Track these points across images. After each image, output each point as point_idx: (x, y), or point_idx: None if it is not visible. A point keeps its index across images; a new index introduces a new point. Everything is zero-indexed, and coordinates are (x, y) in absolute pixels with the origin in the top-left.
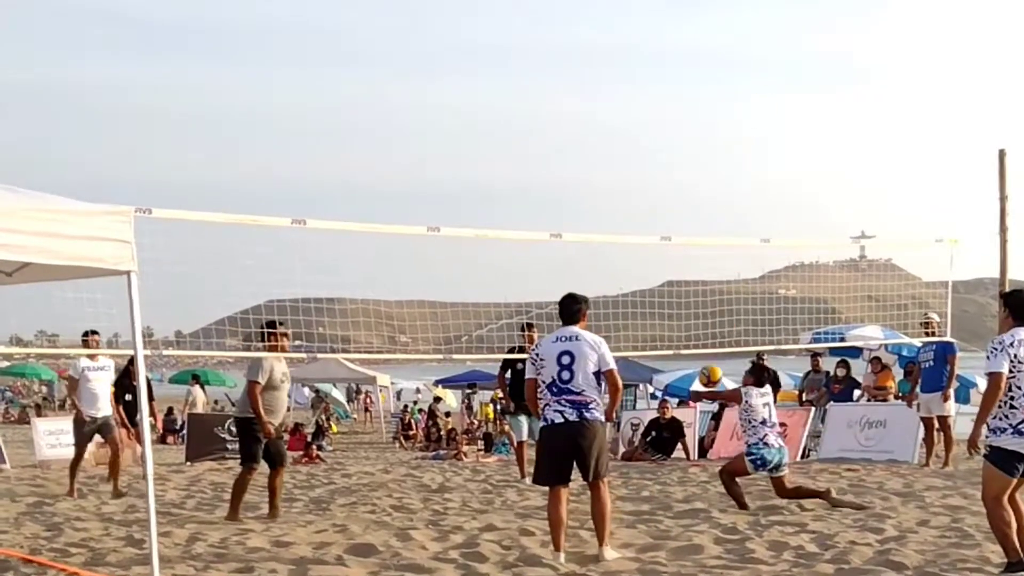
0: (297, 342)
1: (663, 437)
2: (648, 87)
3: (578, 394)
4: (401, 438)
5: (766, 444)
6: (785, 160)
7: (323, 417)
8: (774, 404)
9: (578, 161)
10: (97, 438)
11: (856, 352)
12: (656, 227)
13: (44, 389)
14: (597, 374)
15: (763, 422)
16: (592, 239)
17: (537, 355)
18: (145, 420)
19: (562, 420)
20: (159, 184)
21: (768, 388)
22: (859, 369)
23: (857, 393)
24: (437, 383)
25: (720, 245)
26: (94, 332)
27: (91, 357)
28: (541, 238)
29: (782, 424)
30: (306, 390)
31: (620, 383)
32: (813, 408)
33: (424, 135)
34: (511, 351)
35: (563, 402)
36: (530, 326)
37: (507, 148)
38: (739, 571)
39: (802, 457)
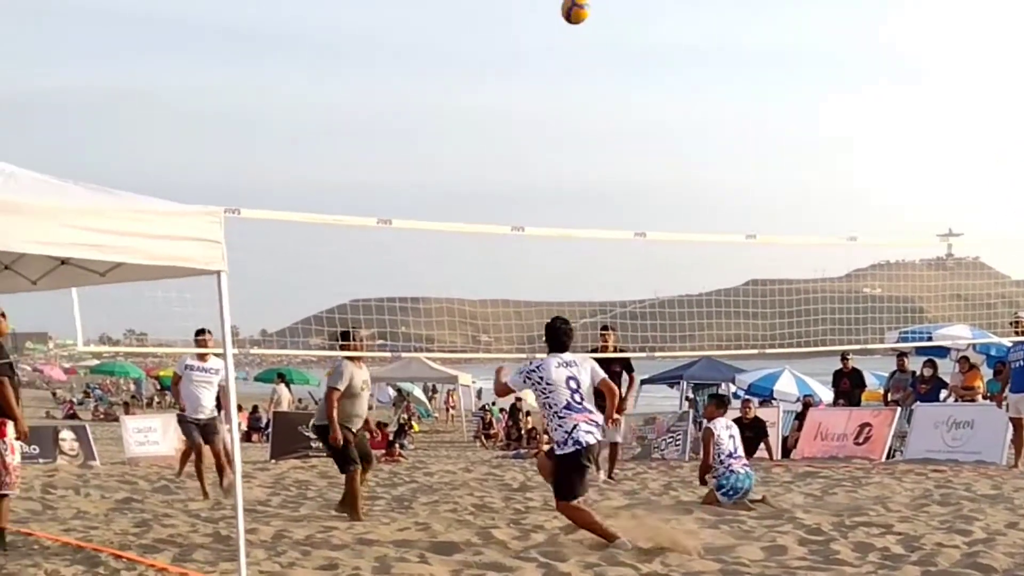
0: (380, 341)
1: (745, 437)
2: (730, 86)
3: (592, 412)
4: (482, 437)
5: (733, 472)
6: (869, 157)
7: (405, 416)
8: (738, 434)
9: (661, 161)
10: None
11: (943, 352)
12: (740, 227)
13: (132, 387)
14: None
15: (729, 454)
16: (676, 238)
17: (541, 378)
18: (234, 418)
19: (595, 441)
20: (246, 186)
21: (730, 421)
22: (946, 369)
23: (944, 393)
24: None
25: (806, 244)
26: (207, 331)
27: (201, 358)
28: (625, 237)
29: (867, 424)
30: (389, 389)
31: (615, 387)
32: (899, 408)
33: (508, 136)
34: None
35: (589, 421)
36: (608, 328)
37: (587, 148)
38: (823, 572)
39: (887, 458)
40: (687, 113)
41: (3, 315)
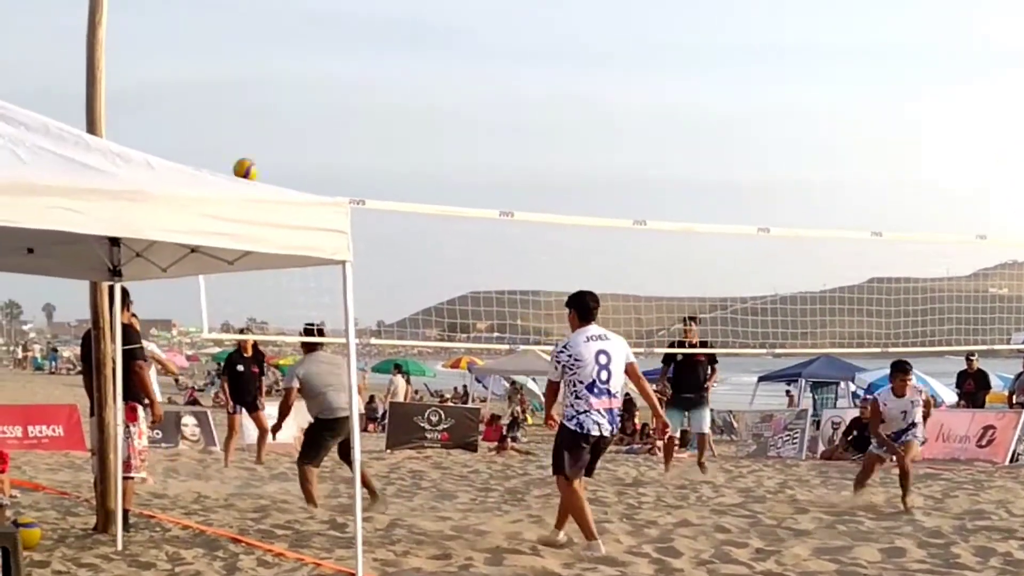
0: (497, 334)
1: (866, 437)
2: (855, 79)
3: (613, 396)
4: None
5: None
6: (999, 152)
7: (519, 409)
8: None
9: (784, 156)
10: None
11: None
12: (860, 223)
13: None
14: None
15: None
16: (800, 234)
17: (570, 356)
18: (355, 409)
19: (598, 434)
20: (367, 175)
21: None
22: None
23: None
24: None
25: (933, 241)
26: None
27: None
28: (748, 232)
29: (991, 427)
30: (503, 381)
31: (642, 377)
32: None
33: (626, 129)
34: (671, 345)
35: (602, 410)
36: (692, 319)
37: (711, 142)
38: None
39: (1011, 461)
40: (820, 106)
41: (132, 306)
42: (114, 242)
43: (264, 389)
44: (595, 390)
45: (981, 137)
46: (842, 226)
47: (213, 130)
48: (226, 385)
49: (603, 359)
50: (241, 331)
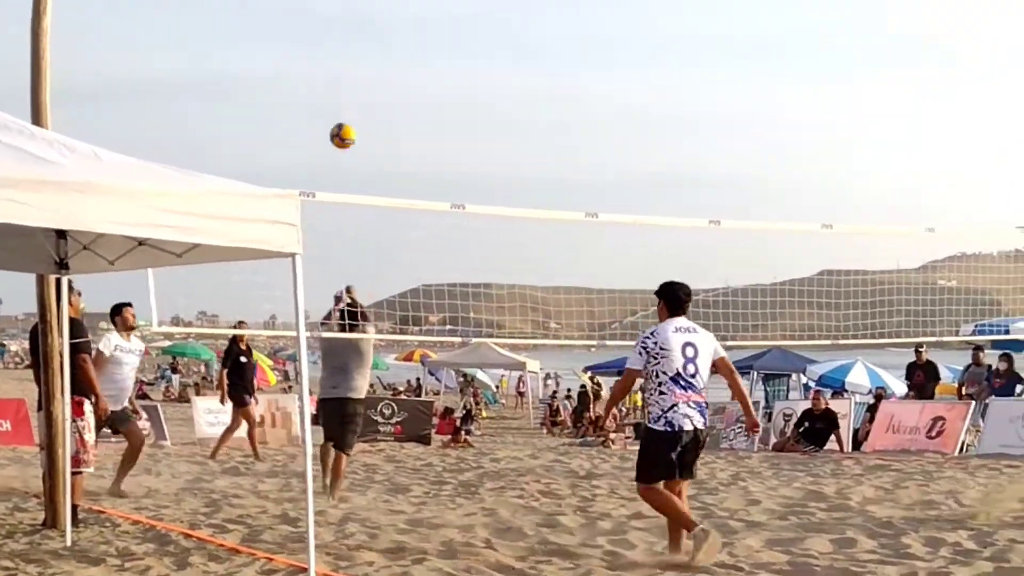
0: (450, 327)
1: (816, 428)
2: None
3: (700, 391)
4: (549, 424)
5: None
6: (947, 147)
7: (472, 401)
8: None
9: (741, 152)
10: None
11: (1020, 346)
12: (813, 217)
13: (203, 368)
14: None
15: None
16: (751, 226)
17: (656, 343)
18: (306, 402)
19: (691, 427)
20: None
21: None
22: (1022, 363)
23: (1020, 388)
24: (586, 370)
25: (882, 234)
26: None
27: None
28: (700, 224)
29: (940, 418)
30: (456, 375)
31: (735, 371)
32: (973, 402)
33: (584, 125)
34: None
35: (691, 403)
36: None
37: (673, 138)
38: (894, 566)
39: (960, 452)
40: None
41: (79, 294)
42: (61, 234)
43: (217, 382)
44: (681, 382)
45: (931, 130)
46: (793, 219)
47: (165, 126)
48: (225, 377)
49: (690, 351)
50: (236, 325)
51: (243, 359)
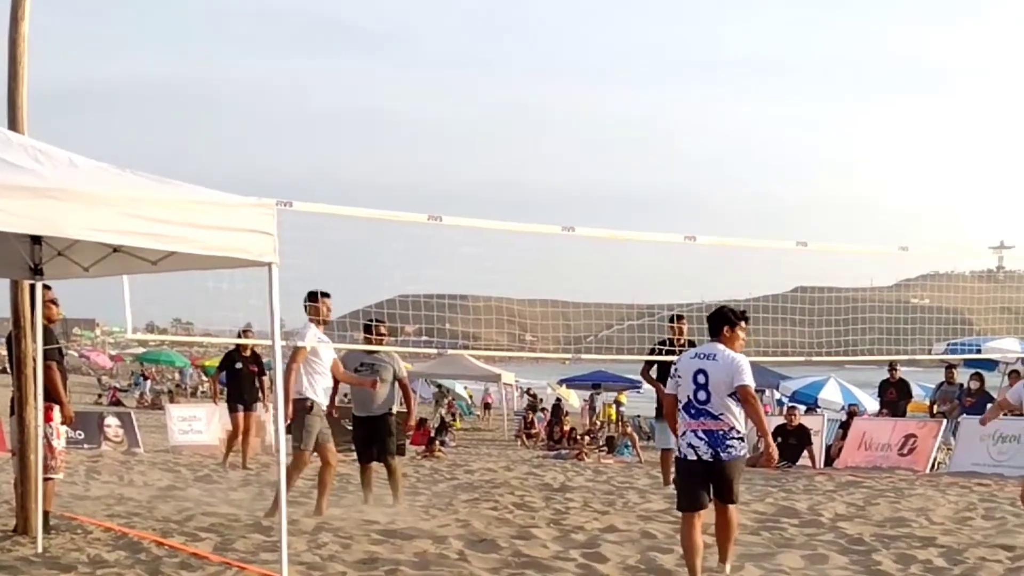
0: (425, 337)
1: (789, 444)
2: (776, 97)
3: (716, 418)
4: (523, 436)
5: None
6: (923, 167)
7: (447, 413)
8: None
9: (709, 168)
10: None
11: (991, 365)
12: (785, 235)
13: (177, 376)
14: (733, 394)
15: None
16: (727, 243)
17: (675, 370)
18: (280, 411)
19: (695, 458)
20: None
21: None
22: (993, 382)
23: (990, 407)
24: (561, 383)
25: (856, 252)
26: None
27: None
28: (675, 240)
29: (912, 435)
30: (431, 386)
31: (755, 399)
32: (945, 420)
33: (556, 137)
34: (652, 351)
35: (700, 433)
36: (680, 318)
37: (642, 153)
38: None
39: (932, 469)
40: (734, 120)
41: (55, 302)
42: (35, 240)
43: (266, 390)
44: (691, 410)
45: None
46: (768, 236)
47: (142, 133)
48: (218, 383)
49: (701, 379)
50: (240, 334)
51: (238, 365)
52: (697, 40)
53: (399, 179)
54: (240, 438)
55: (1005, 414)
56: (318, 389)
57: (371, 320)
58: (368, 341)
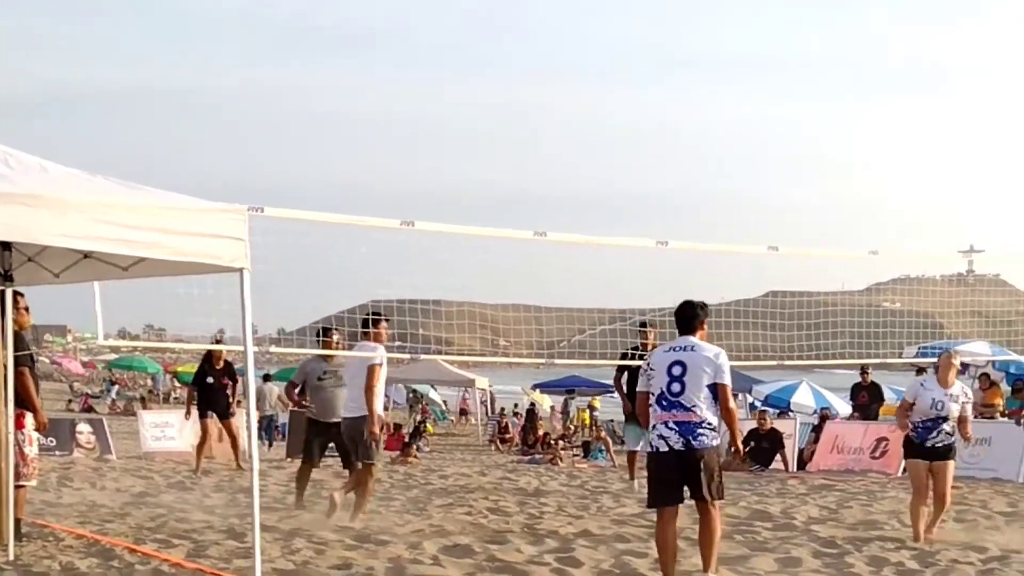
0: (399, 343)
1: (762, 448)
2: (746, 93)
3: (688, 410)
4: (497, 441)
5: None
6: (892, 170)
7: (420, 418)
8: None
9: (683, 170)
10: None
11: (962, 368)
12: (758, 238)
13: (150, 382)
14: (712, 388)
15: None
16: (699, 247)
17: (648, 365)
18: (252, 416)
19: (667, 449)
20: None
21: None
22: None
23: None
24: (535, 387)
25: (828, 256)
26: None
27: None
28: (647, 245)
29: (884, 439)
30: (405, 390)
31: (732, 402)
32: None
33: (532, 140)
34: (624, 356)
35: (670, 424)
36: (647, 324)
37: (626, 155)
38: None
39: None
40: (705, 119)
41: (26, 309)
42: (5, 246)
43: (237, 399)
44: (663, 403)
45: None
46: (741, 240)
47: (109, 139)
48: (194, 395)
49: (677, 370)
50: (215, 342)
51: (209, 380)
52: (697, 40)
53: (400, 181)
54: (219, 442)
55: (975, 416)
56: (380, 405)
57: (321, 328)
58: (326, 347)
